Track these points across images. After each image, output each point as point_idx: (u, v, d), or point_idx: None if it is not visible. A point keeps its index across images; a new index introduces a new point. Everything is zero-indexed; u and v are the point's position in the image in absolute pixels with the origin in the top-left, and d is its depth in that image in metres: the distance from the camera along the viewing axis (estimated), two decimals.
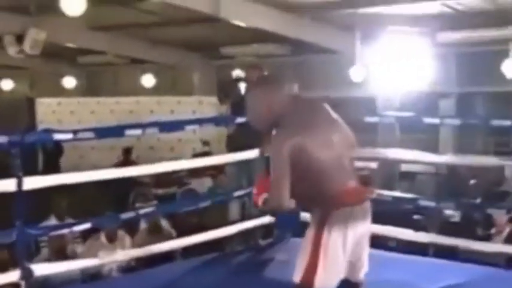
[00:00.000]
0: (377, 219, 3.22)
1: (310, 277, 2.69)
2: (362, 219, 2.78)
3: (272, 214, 4.63)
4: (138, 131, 4.68)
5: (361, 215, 2.77)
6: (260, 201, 2.83)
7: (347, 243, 2.72)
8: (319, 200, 2.74)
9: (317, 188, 2.71)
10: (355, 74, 8.91)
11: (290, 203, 2.72)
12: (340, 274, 2.75)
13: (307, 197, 2.77)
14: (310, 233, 2.76)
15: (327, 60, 10.52)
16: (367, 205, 2.83)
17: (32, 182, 4.09)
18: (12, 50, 10.33)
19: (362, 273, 2.90)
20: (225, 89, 6.14)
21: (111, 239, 6.12)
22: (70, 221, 6.16)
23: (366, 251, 2.87)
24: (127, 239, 6.32)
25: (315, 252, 2.69)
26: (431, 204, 5.08)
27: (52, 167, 11.00)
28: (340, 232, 2.69)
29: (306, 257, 2.72)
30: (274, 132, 2.80)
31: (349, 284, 2.84)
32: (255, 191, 2.91)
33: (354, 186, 2.78)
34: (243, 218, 5.37)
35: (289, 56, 11.02)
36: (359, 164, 3.04)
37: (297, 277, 2.74)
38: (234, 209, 5.41)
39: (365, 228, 2.81)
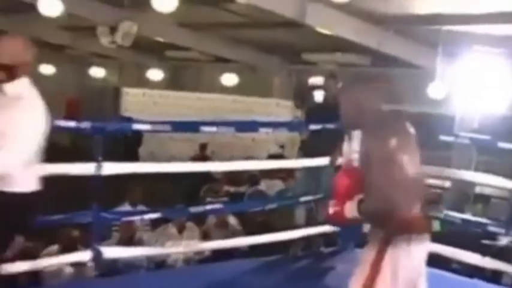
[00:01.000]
0: (444, 239, 3.13)
1: None
2: (423, 247, 2.67)
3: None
4: (213, 128, 4.75)
5: (424, 242, 2.66)
6: (349, 210, 2.65)
7: (408, 269, 2.60)
8: (387, 217, 2.60)
9: (390, 204, 2.57)
10: (434, 90, 8.68)
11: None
12: None
13: (376, 208, 2.61)
14: (370, 252, 2.64)
15: (407, 75, 10.30)
16: (429, 235, 2.71)
17: (110, 168, 4.23)
18: (104, 40, 10.68)
19: None
20: (301, 95, 6.14)
21: (180, 229, 6.20)
22: (143, 208, 6.31)
23: (423, 277, 2.72)
24: (196, 231, 6.38)
25: (372, 276, 2.57)
26: (501, 230, 4.90)
27: (131, 154, 11.34)
28: (404, 257, 2.58)
29: (362, 279, 2.61)
30: (367, 133, 2.65)
31: None
32: (334, 201, 2.72)
33: (421, 214, 2.66)
34: (308, 223, 5.35)
35: (369, 66, 10.87)
36: (430, 181, 2.96)
37: None
38: (300, 213, 5.39)
39: (425, 254, 2.70)
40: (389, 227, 2.61)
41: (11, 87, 2.75)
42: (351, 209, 2.65)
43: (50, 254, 5.06)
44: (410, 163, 2.62)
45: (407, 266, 2.61)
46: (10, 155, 2.68)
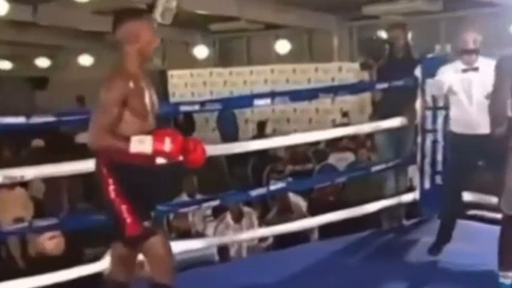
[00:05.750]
0: None
1: None
2: None
3: None
4: (267, 101, 4.71)
5: None
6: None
7: None
8: None
9: None
10: None
11: None
12: None
13: None
14: None
15: (486, 15, 9.96)
16: None
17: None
18: None
19: None
20: (374, 52, 5.96)
21: (237, 218, 6.15)
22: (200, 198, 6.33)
23: None
24: (254, 216, 6.31)
25: None
26: None
27: None
28: None
29: None
30: None
31: None
32: None
33: None
34: (387, 195, 5.21)
35: (441, 12, 10.58)
36: None
37: None
38: (389, 185, 5.23)
39: None
40: None
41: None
42: None
43: None
44: None
45: None
46: None
